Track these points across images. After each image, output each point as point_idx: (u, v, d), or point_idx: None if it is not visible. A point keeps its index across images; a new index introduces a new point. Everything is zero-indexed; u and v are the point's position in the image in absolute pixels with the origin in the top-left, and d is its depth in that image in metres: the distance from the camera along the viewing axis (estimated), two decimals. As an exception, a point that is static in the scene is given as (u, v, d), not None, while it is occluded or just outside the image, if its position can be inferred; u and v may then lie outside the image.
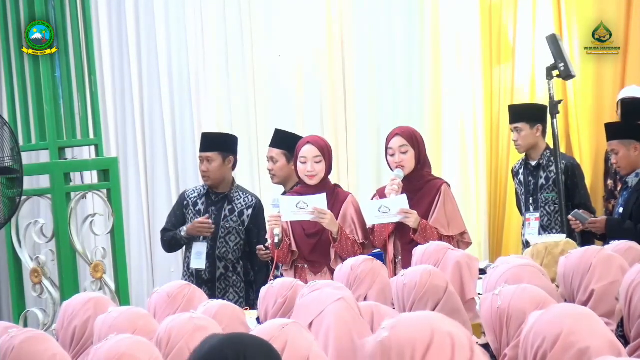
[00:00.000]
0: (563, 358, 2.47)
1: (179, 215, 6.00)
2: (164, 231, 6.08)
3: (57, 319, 3.69)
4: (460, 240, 5.20)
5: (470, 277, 4.15)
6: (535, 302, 2.97)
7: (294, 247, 5.32)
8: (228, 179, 5.99)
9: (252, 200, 6.00)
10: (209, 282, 5.88)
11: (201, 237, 5.88)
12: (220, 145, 6.00)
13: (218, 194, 5.96)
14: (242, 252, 5.95)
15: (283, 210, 5.21)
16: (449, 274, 4.08)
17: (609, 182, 6.13)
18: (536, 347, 2.52)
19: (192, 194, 6.01)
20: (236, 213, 5.93)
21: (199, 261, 5.88)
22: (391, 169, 5.32)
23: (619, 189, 6.04)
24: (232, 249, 5.92)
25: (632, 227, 5.49)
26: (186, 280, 5.78)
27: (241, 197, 5.99)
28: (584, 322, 2.54)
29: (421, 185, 5.28)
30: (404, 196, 5.15)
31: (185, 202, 5.98)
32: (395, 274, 5.09)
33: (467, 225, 5.33)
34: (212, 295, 5.76)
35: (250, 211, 5.95)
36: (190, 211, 5.95)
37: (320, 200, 5.18)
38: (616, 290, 3.24)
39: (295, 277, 5.12)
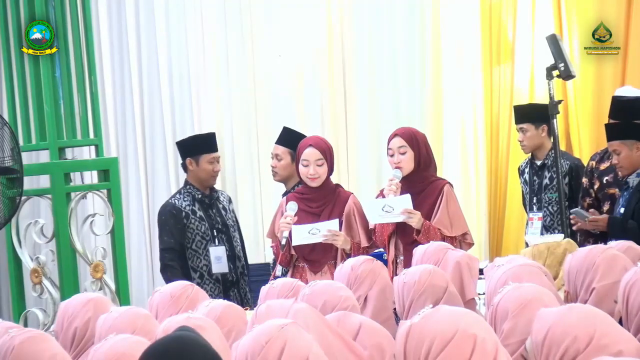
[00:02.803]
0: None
1: (180, 228, 5.81)
2: (170, 251, 5.84)
3: (56, 319, 3.68)
4: (462, 240, 5.20)
5: (470, 277, 4.14)
6: (519, 302, 2.96)
7: (292, 252, 5.32)
8: None
9: (227, 195, 6.11)
10: (236, 284, 5.87)
11: (215, 241, 5.85)
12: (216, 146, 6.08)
13: (209, 197, 5.92)
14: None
15: (294, 237, 5.21)
16: (449, 274, 4.07)
17: (584, 180, 6.12)
18: (565, 346, 2.50)
19: (183, 204, 5.86)
20: (227, 210, 5.96)
21: (220, 265, 5.79)
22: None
23: (595, 187, 6.03)
24: (241, 246, 5.97)
25: (635, 227, 5.49)
26: (210, 287, 5.79)
27: (220, 195, 6.02)
28: (612, 326, 2.54)
29: (423, 187, 5.27)
30: (408, 196, 5.15)
31: (184, 213, 5.82)
32: (396, 275, 5.10)
33: (467, 225, 5.32)
34: (240, 296, 5.80)
35: (231, 206, 6.05)
36: (192, 220, 5.82)
37: (332, 226, 5.20)
38: (617, 290, 3.24)
39: (295, 277, 5.13)
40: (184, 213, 5.82)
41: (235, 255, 5.88)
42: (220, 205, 5.94)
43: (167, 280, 5.78)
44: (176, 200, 5.89)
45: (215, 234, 5.84)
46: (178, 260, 5.84)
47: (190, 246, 5.83)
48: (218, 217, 5.89)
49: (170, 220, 5.83)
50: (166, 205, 5.94)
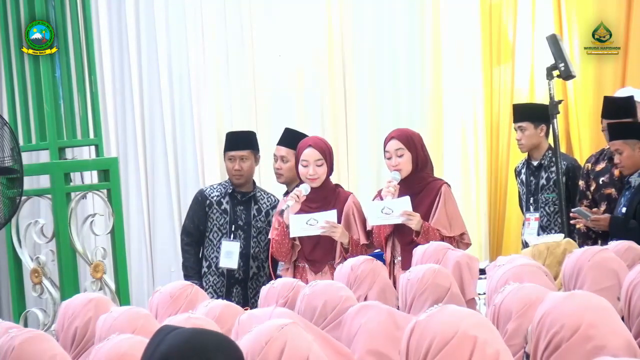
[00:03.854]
0: (577, 350, 2.46)
1: (201, 215, 5.92)
2: (188, 235, 5.98)
3: (57, 319, 3.68)
4: (459, 240, 5.20)
5: (470, 277, 4.15)
6: (523, 302, 2.96)
7: (297, 242, 5.32)
8: (252, 177, 6.01)
9: (275, 201, 5.96)
10: (242, 282, 5.87)
11: (231, 236, 5.87)
12: (251, 143, 6.00)
13: (244, 194, 5.93)
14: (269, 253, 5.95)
15: (292, 227, 5.22)
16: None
17: (580, 182, 6.11)
18: (552, 333, 2.51)
19: (212, 193, 5.95)
20: (263, 213, 5.91)
21: (229, 260, 5.82)
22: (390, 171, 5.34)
23: (592, 189, 6.03)
24: (263, 249, 5.89)
25: (637, 226, 5.49)
26: (214, 279, 5.81)
27: (264, 197, 5.98)
28: (606, 318, 2.52)
29: (421, 187, 5.28)
30: (407, 198, 5.16)
31: (208, 202, 5.91)
32: (393, 275, 5.11)
33: (467, 225, 5.33)
34: (244, 295, 5.80)
35: (274, 211, 5.92)
36: (215, 210, 5.88)
37: (331, 216, 5.20)
38: (608, 295, 3.23)
39: (295, 277, 5.14)
40: (208, 201, 5.92)
41: (250, 255, 5.87)
42: (255, 206, 5.93)
43: (183, 263, 5.98)
44: (208, 188, 6.04)
45: (233, 229, 5.86)
46: (195, 245, 5.96)
47: (208, 235, 5.92)
48: (244, 214, 5.89)
49: (195, 206, 5.99)
50: (198, 190, 6.12)
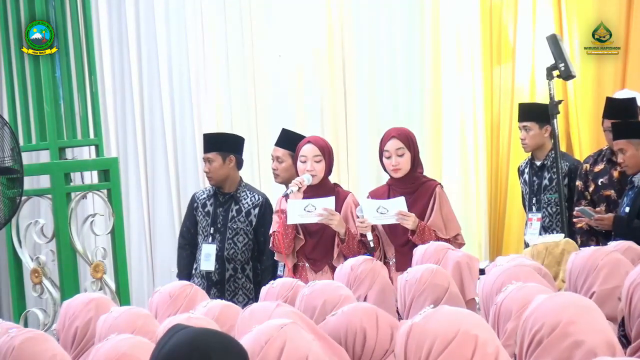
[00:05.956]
0: (557, 346, 2.47)
1: (191, 218, 5.99)
2: (181, 237, 6.07)
3: (57, 319, 3.69)
4: (453, 241, 5.21)
5: (470, 277, 4.15)
6: (523, 302, 2.95)
7: (300, 235, 5.32)
8: (233, 178, 5.92)
9: (259, 199, 5.91)
10: (218, 284, 5.86)
11: (210, 239, 5.88)
12: (219, 145, 5.96)
13: (225, 195, 5.92)
14: (251, 253, 5.90)
15: (290, 213, 5.22)
16: (449, 274, 4.08)
17: (578, 183, 6.10)
18: (534, 332, 2.52)
19: (201, 196, 5.98)
20: (243, 213, 5.88)
21: (207, 263, 5.84)
22: (385, 170, 5.34)
23: (590, 190, 6.03)
24: (240, 250, 5.86)
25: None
26: (198, 281, 5.83)
27: (248, 197, 5.91)
28: (586, 315, 2.53)
29: (416, 187, 5.29)
30: (402, 198, 5.17)
31: (195, 204, 5.96)
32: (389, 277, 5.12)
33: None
34: (221, 297, 5.75)
35: (257, 210, 5.88)
36: (200, 212, 5.92)
37: (329, 203, 5.21)
38: (618, 294, 3.23)
39: (295, 276, 5.14)
40: (195, 204, 5.98)
41: (225, 257, 5.85)
42: (236, 206, 5.90)
43: (177, 264, 6.07)
44: (200, 191, 6.10)
45: (212, 231, 5.86)
46: (187, 248, 6.02)
47: (198, 238, 5.96)
48: (222, 215, 5.89)
49: (187, 209, 6.09)
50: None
